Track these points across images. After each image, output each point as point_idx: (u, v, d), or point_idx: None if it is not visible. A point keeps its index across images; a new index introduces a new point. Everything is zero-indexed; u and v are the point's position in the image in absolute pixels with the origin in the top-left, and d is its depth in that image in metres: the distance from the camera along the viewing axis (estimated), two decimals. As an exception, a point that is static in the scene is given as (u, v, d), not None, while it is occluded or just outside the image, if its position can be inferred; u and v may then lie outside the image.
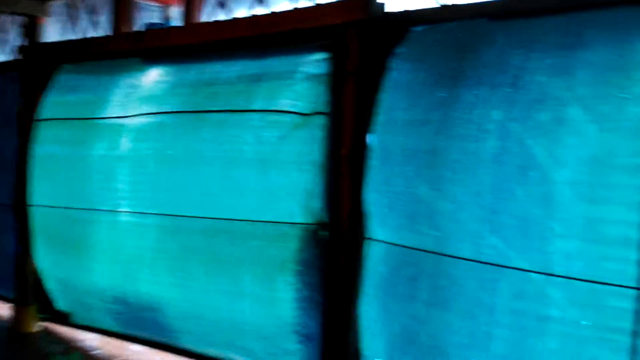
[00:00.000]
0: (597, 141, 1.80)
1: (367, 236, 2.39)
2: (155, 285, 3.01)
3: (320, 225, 2.51)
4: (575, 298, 1.82)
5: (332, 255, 2.49)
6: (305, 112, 2.55)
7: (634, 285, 1.72)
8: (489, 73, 2.04)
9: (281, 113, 2.60)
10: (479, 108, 2.04)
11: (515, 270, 1.93)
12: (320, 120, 2.52)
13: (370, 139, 2.39)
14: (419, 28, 2.35)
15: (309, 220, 2.52)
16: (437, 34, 2.28)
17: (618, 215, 1.75)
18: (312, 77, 2.58)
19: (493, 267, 1.98)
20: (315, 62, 2.60)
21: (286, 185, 2.56)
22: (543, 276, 1.88)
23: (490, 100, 2.02)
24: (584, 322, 1.80)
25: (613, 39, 1.83)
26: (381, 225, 2.36)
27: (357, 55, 2.44)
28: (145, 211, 3.02)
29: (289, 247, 2.54)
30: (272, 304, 2.59)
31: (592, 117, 1.81)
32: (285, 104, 2.60)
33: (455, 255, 2.08)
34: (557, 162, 1.85)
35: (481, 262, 2.01)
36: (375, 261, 2.37)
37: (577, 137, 1.83)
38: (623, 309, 1.73)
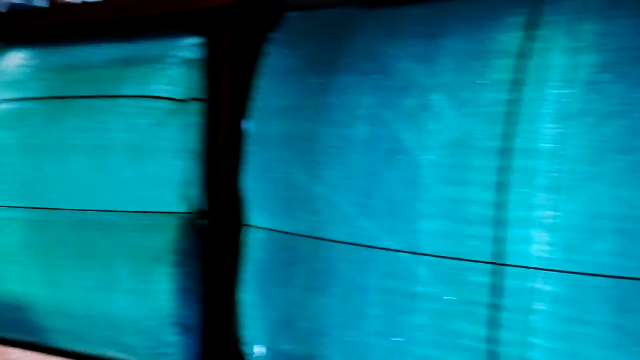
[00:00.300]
0: (457, 126, 1.89)
1: (246, 223, 2.38)
2: (24, 284, 2.83)
3: (198, 213, 2.47)
4: (440, 275, 1.92)
5: (211, 243, 2.46)
6: (180, 97, 2.49)
7: (490, 261, 1.84)
8: (359, 60, 2.09)
9: (155, 99, 2.52)
10: (350, 94, 2.08)
11: (386, 251, 2.01)
12: (196, 107, 2.47)
13: (247, 125, 2.37)
14: (293, 14, 2.36)
15: (187, 209, 2.46)
16: (310, 20, 2.30)
17: (476, 195, 1.86)
18: (187, 62, 2.51)
19: (365, 248, 2.04)
20: (190, 47, 2.54)
21: (162, 174, 2.49)
22: (411, 255, 1.96)
23: (361, 86, 2.07)
24: (447, 297, 1.90)
25: (471, 28, 1.93)
26: (259, 212, 2.36)
27: (233, 40, 2.41)
28: (9, 205, 2.83)
29: (166, 237, 2.48)
30: (149, 297, 2.52)
31: (453, 102, 1.91)
32: (158, 89, 2.52)
33: (330, 238, 2.12)
34: (422, 146, 1.94)
35: (354, 244, 2.06)
36: (254, 248, 2.37)
37: (439, 122, 1.92)
38: (481, 283, 1.85)
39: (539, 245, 1.77)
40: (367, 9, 2.15)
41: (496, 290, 1.83)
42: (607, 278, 1.68)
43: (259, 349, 2.33)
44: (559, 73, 1.75)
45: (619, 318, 1.66)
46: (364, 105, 2.05)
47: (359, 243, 2.06)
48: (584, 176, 1.69)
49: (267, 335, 2.33)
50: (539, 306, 1.76)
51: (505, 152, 1.82)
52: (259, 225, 2.35)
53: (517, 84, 1.82)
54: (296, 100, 2.23)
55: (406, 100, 1.98)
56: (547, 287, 1.76)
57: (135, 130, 2.54)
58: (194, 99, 2.47)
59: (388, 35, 2.06)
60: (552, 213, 1.74)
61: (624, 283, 1.65)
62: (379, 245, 2.02)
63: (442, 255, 1.91)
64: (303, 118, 2.20)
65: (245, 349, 2.36)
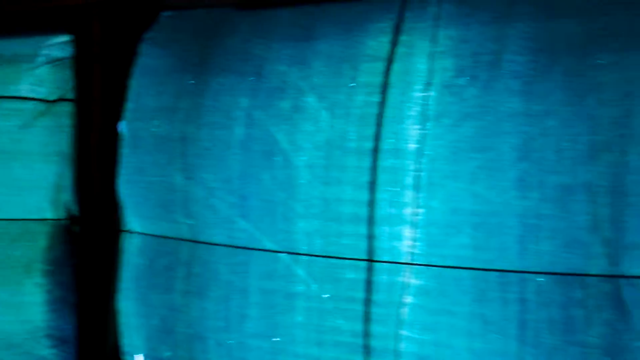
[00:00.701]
0: (330, 127, 1.94)
1: (122, 228, 2.31)
2: None
3: (70, 219, 2.36)
4: (317, 274, 1.96)
5: (86, 251, 2.36)
6: (49, 98, 2.37)
7: (364, 258, 1.90)
8: (234, 61, 2.09)
9: (21, 100, 2.38)
10: (226, 96, 2.08)
11: (264, 252, 2.02)
12: (67, 108, 2.36)
13: (121, 126, 2.30)
14: (168, 13, 2.32)
15: (58, 215, 2.35)
16: (185, 20, 2.27)
17: (350, 195, 1.92)
18: (56, 61, 2.39)
19: (244, 250, 2.05)
20: (59, 45, 2.42)
21: (31, 179, 2.36)
22: (289, 255, 1.99)
23: (236, 88, 2.07)
24: (324, 296, 1.94)
25: (343, 32, 1.98)
26: (136, 216, 2.29)
27: (103, 38, 2.32)
28: None
29: (37, 246, 2.35)
30: (20, 309, 2.38)
31: (325, 104, 1.95)
32: (25, 89, 2.38)
33: (208, 241, 2.11)
34: (296, 147, 1.97)
35: (233, 247, 2.06)
36: (132, 254, 2.30)
37: (313, 123, 1.96)
38: (357, 280, 1.91)
39: (406, 242, 1.85)
40: (242, 11, 2.15)
41: (369, 286, 1.89)
42: (467, 270, 1.78)
43: (138, 358, 2.27)
44: (421, 77, 1.84)
45: (479, 308, 1.78)
46: (240, 107, 2.06)
47: (237, 245, 2.06)
48: (444, 174, 1.79)
49: (147, 343, 2.28)
50: (407, 299, 1.85)
51: (375, 152, 1.89)
52: (135, 230, 2.29)
53: (384, 87, 1.90)
54: (171, 102, 2.19)
55: (281, 102, 2.00)
56: (415, 281, 1.84)
57: (0, 133, 2.39)
58: (63, 99, 2.36)
59: (263, 37, 2.07)
60: (416, 210, 1.83)
61: (482, 274, 1.77)
62: (258, 247, 2.03)
63: (319, 254, 1.95)
64: (178, 120, 2.16)
65: (125, 359, 2.29)
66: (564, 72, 1.68)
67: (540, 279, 1.71)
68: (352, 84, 1.94)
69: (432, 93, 1.83)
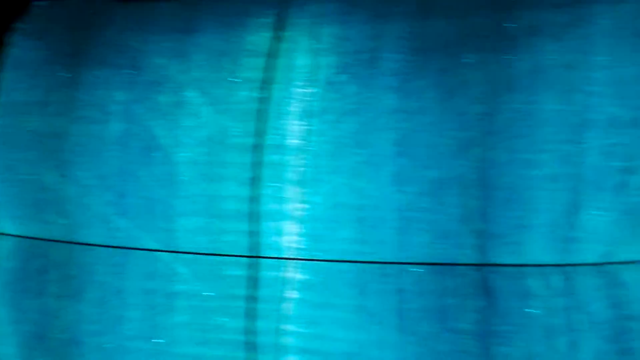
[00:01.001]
0: (212, 122, 1.91)
1: (-9, 230, 2.15)
2: None
3: None
4: (199, 272, 1.92)
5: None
6: None
7: (248, 254, 1.89)
8: (110, 53, 2.00)
9: None
10: (101, 89, 1.98)
11: (145, 251, 1.95)
12: None
13: (-13, 122, 2.14)
14: (41, 3, 2.18)
15: None
16: (59, 10, 2.14)
17: (232, 191, 1.89)
18: None
19: (123, 250, 1.97)
20: None
21: None
22: (170, 254, 1.93)
23: (112, 81, 1.98)
24: (207, 294, 1.91)
25: (224, 26, 1.96)
26: (7, 217, 2.14)
27: (-34, 26, 2.15)
28: None
29: None
30: None
31: (207, 99, 1.92)
32: None
33: (84, 242, 2.00)
34: (177, 143, 1.91)
35: (111, 247, 1.97)
36: (2, 257, 2.15)
37: (194, 118, 1.91)
38: (239, 277, 1.89)
39: (290, 237, 1.86)
40: (119, 1, 2.07)
41: (252, 282, 1.88)
42: (350, 263, 1.82)
43: (9, 368, 2.12)
44: (303, 73, 1.85)
45: (361, 300, 1.81)
46: (117, 101, 1.97)
47: (115, 245, 1.97)
48: (327, 170, 1.81)
49: (20, 350, 2.13)
50: (292, 294, 1.85)
51: (257, 148, 1.88)
52: (6, 232, 2.13)
53: (266, 83, 1.89)
54: (43, 96, 2.06)
55: (160, 97, 1.94)
56: (299, 276, 1.85)
57: None
58: None
59: (141, 29, 2.00)
60: (300, 205, 1.84)
61: (364, 267, 1.81)
62: (137, 246, 1.96)
63: (201, 252, 1.91)
64: (51, 114, 2.04)
65: (-7, 370, 2.14)
66: (437, 70, 1.75)
67: (418, 269, 1.77)
68: (234, 79, 1.92)
69: (314, 89, 1.85)
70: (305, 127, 1.84)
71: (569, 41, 1.72)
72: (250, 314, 1.87)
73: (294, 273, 1.85)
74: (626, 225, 1.65)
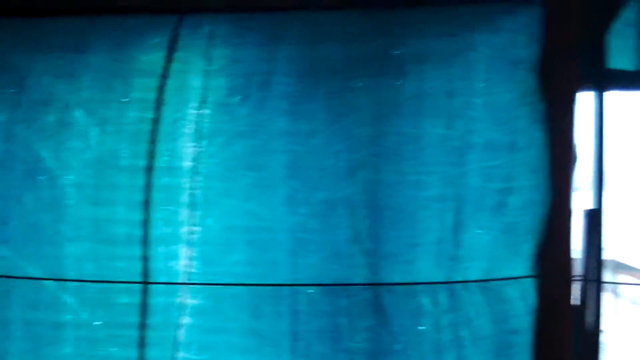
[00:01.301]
0: (100, 144, 1.85)
1: None
2: None
3: None
4: (87, 300, 1.84)
5: None
6: None
7: (139, 280, 1.83)
8: (-8, 72, 1.91)
9: None
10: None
11: (28, 280, 1.85)
12: None
13: None
14: None
15: None
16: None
17: (123, 215, 1.84)
18: None
19: (4, 279, 1.86)
20: None
21: None
22: (56, 282, 1.85)
23: (-7, 100, 1.89)
24: (95, 323, 1.83)
25: (115, 46, 1.91)
26: None
27: None
28: None
29: None
30: None
31: (95, 120, 1.86)
32: None
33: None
34: (63, 165, 1.84)
35: (-10, 276, 1.86)
36: None
37: (81, 140, 1.85)
38: (131, 304, 1.82)
39: (182, 261, 1.82)
40: (3, 18, 1.97)
41: (144, 309, 1.82)
42: (242, 287, 1.80)
43: None
44: (195, 94, 1.84)
45: (254, 323, 1.80)
46: (-2, 122, 1.88)
47: (-4, 274, 1.87)
48: (218, 192, 1.80)
49: None
50: (184, 320, 1.81)
51: (148, 170, 1.84)
52: None
53: (158, 104, 1.86)
54: None
55: (46, 117, 1.86)
56: (191, 301, 1.81)
57: None
58: None
59: (26, 47, 1.92)
60: (192, 229, 1.81)
61: (256, 290, 1.79)
62: (20, 275, 1.85)
63: (89, 279, 1.84)
64: None
65: None
66: (327, 94, 1.78)
67: (310, 290, 1.78)
68: (124, 99, 1.87)
69: (206, 111, 1.83)
70: (197, 149, 1.81)
71: (452, 68, 1.79)
72: (142, 343, 1.81)
73: (186, 298, 1.81)
74: (505, 243, 1.73)
